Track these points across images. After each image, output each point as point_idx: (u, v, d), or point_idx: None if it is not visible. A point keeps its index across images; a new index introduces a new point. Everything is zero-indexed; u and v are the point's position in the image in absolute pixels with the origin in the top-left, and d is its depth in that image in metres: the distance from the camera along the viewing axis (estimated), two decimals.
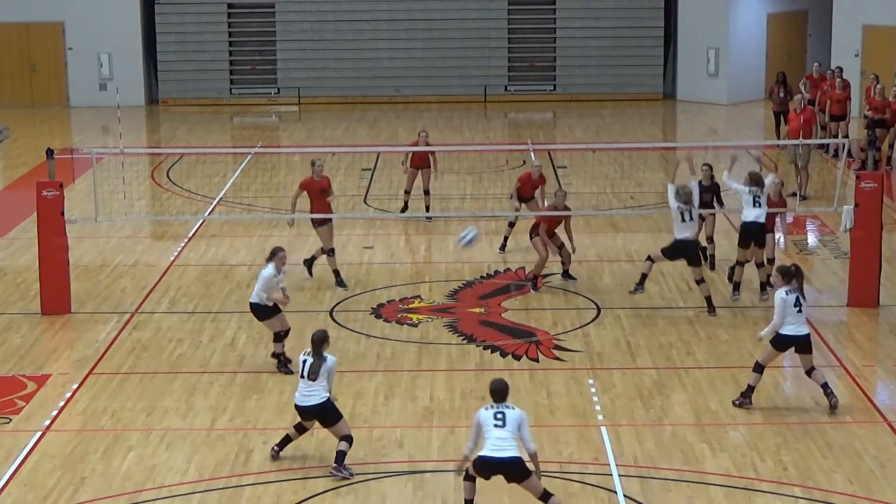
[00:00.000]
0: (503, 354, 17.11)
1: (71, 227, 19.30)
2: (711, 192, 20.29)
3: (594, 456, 14.00)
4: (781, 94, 30.38)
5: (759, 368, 15.23)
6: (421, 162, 24.09)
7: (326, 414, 13.56)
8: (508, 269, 20.87)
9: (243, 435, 14.59)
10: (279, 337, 16.53)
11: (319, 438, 14.41)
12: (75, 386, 16.12)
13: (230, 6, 38.70)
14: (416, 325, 18.30)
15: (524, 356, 17.03)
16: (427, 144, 24.15)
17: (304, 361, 13.64)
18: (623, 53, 38.49)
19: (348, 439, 13.52)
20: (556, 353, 17.18)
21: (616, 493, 13.13)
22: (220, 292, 19.98)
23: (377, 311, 18.97)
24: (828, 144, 28.58)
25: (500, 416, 12.17)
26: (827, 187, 26.19)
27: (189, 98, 38.45)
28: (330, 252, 19.89)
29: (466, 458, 12.34)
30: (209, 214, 24.88)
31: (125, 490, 13.29)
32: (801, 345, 14.99)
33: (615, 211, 24.40)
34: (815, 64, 31.23)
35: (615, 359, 16.97)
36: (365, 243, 22.55)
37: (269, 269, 16.17)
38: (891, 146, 28.13)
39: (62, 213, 18.68)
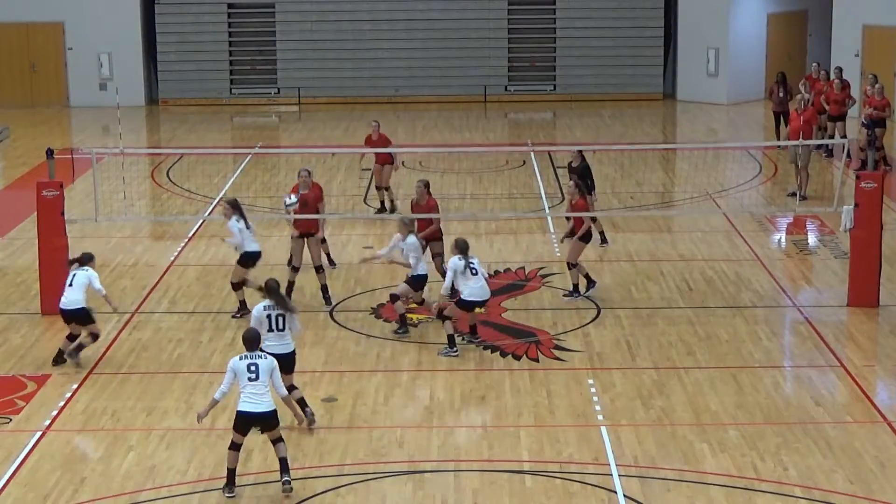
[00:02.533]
0: (503, 354, 17.11)
1: (71, 227, 19.30)
2: (579, 174, 21.09)
3: (594, 456, 14.00)
4: (781, 94, 30.38)
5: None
6: (382, 156, 23.69)
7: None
8: (508, 269, 20.87)
9: None
10: None
11: (319, 438, 14.42)
12: (75, 386, 16.11)
13: (230, 6, 38.70)
14: (416, 325, 18.28)
15: (524, 356, 17.03)
16: (380, 136, 23.79)
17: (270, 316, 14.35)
18: (623, 53, 38.50)
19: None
20: (556, 353, 17.18)
21: (616, 493, 13.13)
22: (220, 292, 19.97)
23: (377, 311, 18.97)
24: (825, 144, 28.58)
25: (253, 367, 13.00)
26: (827, 187, 26.21)
27: (189, 98, 38.46)
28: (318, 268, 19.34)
29: (216, 401, 13.20)
30: (209, 214, 24.88)
31: (125, 490, 13.29)
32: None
33: (615, 211, 24.39)
34: (815, 64, 31.21)
35: (615, 359, 16.97)
36: (365, 243, 22.55)
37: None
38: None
39: (62, 213, 18.68)
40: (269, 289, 14.58)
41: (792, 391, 15.91)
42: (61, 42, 37.99)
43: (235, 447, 13.10)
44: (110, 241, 22.92)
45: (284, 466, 13.11)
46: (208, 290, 20.08)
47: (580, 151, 22.08)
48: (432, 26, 38.56)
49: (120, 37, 37.75)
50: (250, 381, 12.97)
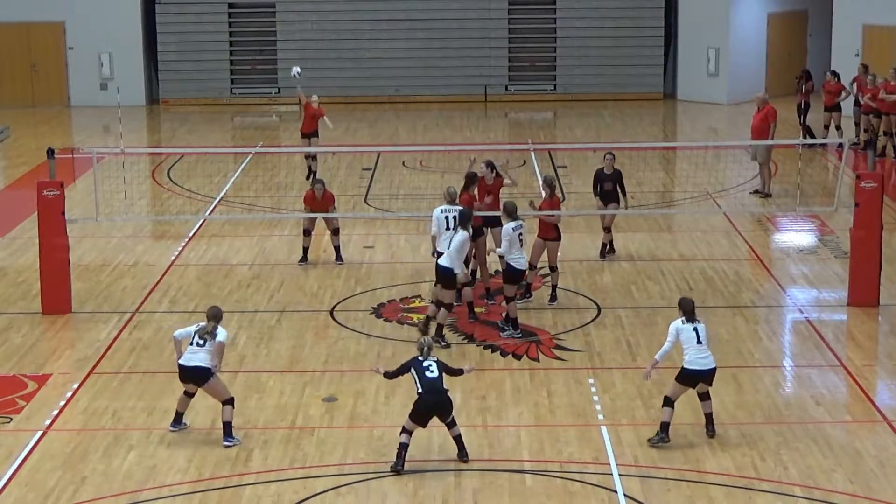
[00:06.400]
0: (503, 354, 17.12)
1: (71, 226, 19.32)
2: (613, 181, 20.91)
3: (594, 455, 14.02)
4: (803, 87, 30.96)
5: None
6: (310, 127, 23.22)
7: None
8: None
9: (244, 435, 14.59)
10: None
11: (320, 438, 14.44)
12: (76, 385, 16.13)
13: (231, 6, 38.69)
14: (416, 325, 18.27)
15: (524, 356, 17.04)
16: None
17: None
18: (623, 53, 38.48)
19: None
20: (557, 352, 17.19)
21: (616, 492, 13.15)
22: (221, 292, 19.98)
23: (377, 311, 18.98)
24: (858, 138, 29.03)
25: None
26: (827, 187, 26.21)
27: (189, 98, 38.45)
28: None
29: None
30: (210, 214, 24.89)
31: (125, 489, 13.31)
32: None
33: (615, 211, 24.38)
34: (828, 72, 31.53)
35: (615, 358, 16.98)
36: (365, 243, 22.56)
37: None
38: (886, 134, 28.65)
39: (63, 213, 18.69)
40: (210, 315, 14.44)
41: (792, 391, 15.93)
42: (62, 42, 37.98)
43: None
44: (111, 240, 22.93)
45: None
46: (209, 290, 20.09)
47: (612, 156, 21.15)
48: (432, 26, 38.55)
49: (120, 37, 37.74)
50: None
